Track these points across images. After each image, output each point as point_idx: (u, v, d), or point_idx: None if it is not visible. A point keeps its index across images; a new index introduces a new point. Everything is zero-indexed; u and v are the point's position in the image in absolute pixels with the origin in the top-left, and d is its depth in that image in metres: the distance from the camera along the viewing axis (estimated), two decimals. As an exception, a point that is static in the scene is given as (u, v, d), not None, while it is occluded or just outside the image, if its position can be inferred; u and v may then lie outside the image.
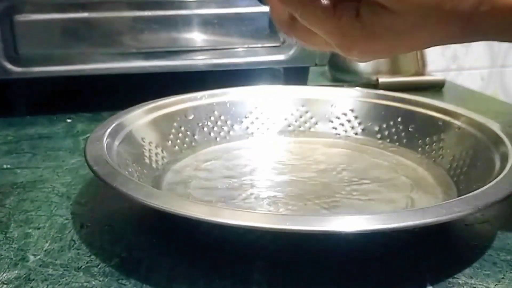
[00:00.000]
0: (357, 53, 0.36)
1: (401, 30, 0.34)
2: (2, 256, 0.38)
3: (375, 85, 0.80)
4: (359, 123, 0.59)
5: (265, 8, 0.70)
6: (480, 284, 0.35)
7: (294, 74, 0.76)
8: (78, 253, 0.39)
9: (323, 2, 0.34)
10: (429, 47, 0.37)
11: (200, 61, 0.71)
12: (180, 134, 0.55)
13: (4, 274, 0.36)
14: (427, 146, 0.53)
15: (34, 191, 0.49)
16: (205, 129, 0.57)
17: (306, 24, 0.36)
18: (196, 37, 0.70)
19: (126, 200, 0.39)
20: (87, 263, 0.38)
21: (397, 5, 0.33)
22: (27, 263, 0.38)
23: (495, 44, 1.15)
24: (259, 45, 0.71)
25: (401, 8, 0.33)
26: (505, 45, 1.15)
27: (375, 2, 0.33)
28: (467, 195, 0.37)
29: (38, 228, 0.42)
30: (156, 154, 0.52)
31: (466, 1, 0.33)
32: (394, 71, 0.84)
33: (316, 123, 0.60)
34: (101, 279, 0.36)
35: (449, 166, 0.49)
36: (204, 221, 0.34)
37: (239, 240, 0.38)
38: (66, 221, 0.43)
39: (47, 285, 0.35)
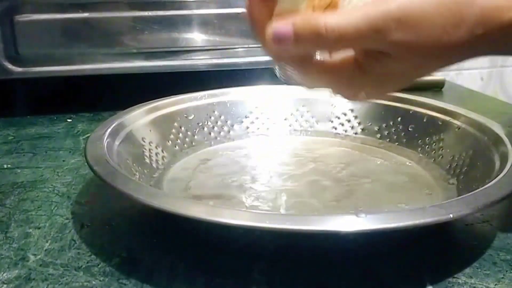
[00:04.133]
0: (362, 97, 0.36)
1: (404, 71, 0.35)
2: (2, 256, 0.38)
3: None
4: (359, 123, 0.59)
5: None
6: (480, 284, 0.35)
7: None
8: (79, 252, 0.39)
9: (321, 59, 0.34)
10: (439, 71, 0.37)
11: (200, 61, 0.71)
12: (180, 134, 0.55)
13: (5, 274, 0.36)
14: (427, 146, 0.53)
15: (35, 191, 0.49)
16: (205, 129, 0.57)
17: (308, 81, 0.37)
18: (196, 37, 0.70)
19: (126, 200, 0.39)
20: (87, 262, 0.38)
21: (396, 51, 0.33)
22: (27, 262, 0.38)
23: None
24: (259, 45, 0.71)
25: (401, 53, 0.33)
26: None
27: (375, 51, 0.33)
28: (467, 195, 0.37)
29: (39, 228, 0.42)
30: (156, 154, 0.52)
31: (460, 30, 0.33)
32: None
33: (316, 123, 0.60)
34: (101, 278, 0.36)
35: (449, 166, 0.49)
36: (204, 221, 0.34)
37: (239, 240, 0.38)
38: (66, 221, 0.43)
39: (48, 285, 0.35)
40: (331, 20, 0.32)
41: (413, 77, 0.36)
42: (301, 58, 0.35)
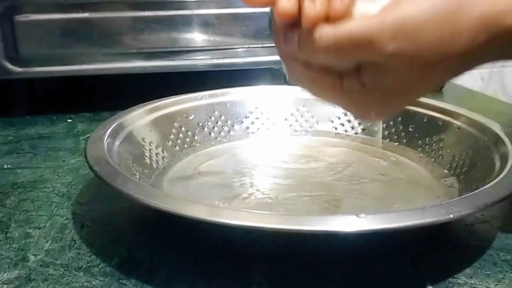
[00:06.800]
0: (374, 115, 0.36)
1: (406, 84, 0.34)
2: (2, 256, 0.38)
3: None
4: (359, 123, 0.59)
5: (266, 8, 0.70)
6: (480, 284, 0.35)
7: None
8: (79, 253, 0.39)
9: (330, 79, 0.34)
10: (444, 83, 0.36)
11: (200, 61, 0.71)
12: (181, 134, 0.55)
13: (5, 274, 0.36)
14: (427, 146, 0.53)
15: (35, 191, 0.49)
16: (205, 129, 0.57)
17: (314, 91, 0.37)
18: (196, 37, 0.70)
19: (126, 200, 0.39)
20: (87, 263, 0.38)
21: (392, 62, 0.32)
22: (27, 263, 0.38)
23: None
24: (259, 45, 0.71)
25: (398, 65, 0.33)
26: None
27: (373, 64, 0.33)
28: (467, 195, 0.37)
29: (39, 228, 0.42)
30: (157, 154, 0.52)
31: (459, 39, 0.32)
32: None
33: (316, 123, 0.60)
34: (101, 279, 0.36)
35: (449, 166, 0.49)
36: (204, 221, 0.34)
37: (239, 240, 0.38)
38: (66, 221, 0.43)
39: (48, 285, 0.35)
40: (328, 27, 0.32)
41: (416, 91, 0.36)
42: (305, 65, 0.35)
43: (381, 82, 0.33)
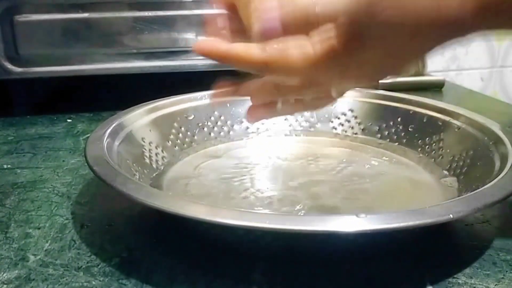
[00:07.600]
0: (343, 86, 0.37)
1: (394, 50, 0.34)
2: (2, 256, 0.38)
3: (375, 85, 0.80)
4: (359, 123, 0.59)
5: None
6: (480, 284, 0.35)
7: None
8: (78, 253, 0.39)
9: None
10: (432, 50, 0.36)
11: (200, 61, 0.71)
12: (180, 134, 0.55)
13: (4, 274, 0.36)
14: (427, 146, 0.53)
15: (35, 191, 0.49)
16: (205, 129, 0.57)
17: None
18: (196, 37, 0.70)
19: (126, 200, 0.39)
20: (87, 263, 0.38)
21: (381, 31, 0.33)
22: (27, 263, 0.38)
23: (495, 45, 1.15)
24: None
25: (388, 33, 0.33)
26: (504, 45, 1.15)
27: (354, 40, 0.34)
28: (467, 195, 0.37)
29: (39, 228, 0.42)
30: (156, 154, 0.52)
31: (449, 7, 0.32)
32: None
33: (316, 123, 0.60)
34: (101, 279, 0.36)
35: (449, 166, 0.49)
36: (204, 221, 0.34)
37: (239, 240, 0.38)
38: (66, 221, 0.43)
39: (47, 285, 0.35)
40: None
41: (405, 57, 0.36)
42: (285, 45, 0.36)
43: (357, 54, 0.34)
